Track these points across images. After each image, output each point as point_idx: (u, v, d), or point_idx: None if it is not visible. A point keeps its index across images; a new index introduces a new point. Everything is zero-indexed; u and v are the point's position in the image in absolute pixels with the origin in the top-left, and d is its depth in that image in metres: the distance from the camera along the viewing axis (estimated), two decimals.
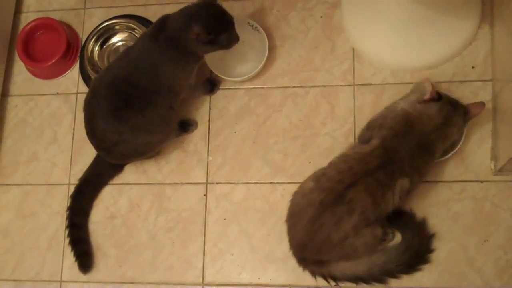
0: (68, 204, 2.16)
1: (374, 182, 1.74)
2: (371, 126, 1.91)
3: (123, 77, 1.93)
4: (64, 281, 2.15)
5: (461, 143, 1.94)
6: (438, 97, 1.83)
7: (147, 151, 2.10)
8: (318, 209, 1.74)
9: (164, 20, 1.96)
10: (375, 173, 1.75)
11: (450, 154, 1.95)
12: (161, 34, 1.93)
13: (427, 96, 1.84)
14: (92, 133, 2.01)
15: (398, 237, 1.94)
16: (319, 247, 1.79)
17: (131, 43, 2.15)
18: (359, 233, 1.75)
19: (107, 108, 1.92)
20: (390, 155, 1.77)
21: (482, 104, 1.86)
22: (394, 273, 1.88)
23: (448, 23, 2.07)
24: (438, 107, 1.83)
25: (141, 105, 1.94)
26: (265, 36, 2.16)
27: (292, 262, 1.90)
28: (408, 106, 1.86)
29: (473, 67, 2.09)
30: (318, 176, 1.81)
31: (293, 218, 1.86)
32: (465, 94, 2.05)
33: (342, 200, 1.72)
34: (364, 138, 1.92)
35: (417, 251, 1.90)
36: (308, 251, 1.83)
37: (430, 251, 1.93)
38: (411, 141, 1.80)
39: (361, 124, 2.05)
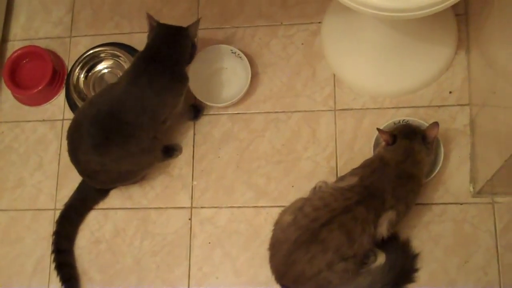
0: (54, 229, 2.16)
1: (351, 219, 1.76)
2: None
3: (106, 112, 1.96)
4: None
5: (439, 167, 1.97)
6: (393, 140, 1.87)
7: (131, 177, 2.13)
8: (292, 246, 1.78)
9: (145, 53, 2.04)
10: (355, 209, 1.77)
11: (430, 178, 1.98)
12: (148, 65, 2.00)
13: (383, 144, 1.90)
14: (75, 162, 2.03)
15: (382, 258, 1.96)
16: (294, 278, 1.82)
17: (116, 77, 2.23)
18: (333, 269, 1.77)
19: (90, 143, 1.95)
20: (370, 190, 1.80)
21: (435, 125, 1.88)
22: None
23: (426, 49, 2.12)
24: (396, 145, 1.87)
25: (124, 140, 1.97)
26: (248, 63, 2.19)
27: (276, 286, 1.90)
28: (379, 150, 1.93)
29: (450, 92, 2.13)
30: (295, 211, 1.83)
31: (273, 249, 1.88)
32: (443, 118, 2.09)
33: (315, 239, 1.75)
34: None
35: (401, 271, 1.92)
36: (286, 280, 1.86)
37: (415, 270, 1.95)
38: (390, 174, 1.83)
39: (342, 148, 2.10)
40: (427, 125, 1.95)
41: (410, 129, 1.92)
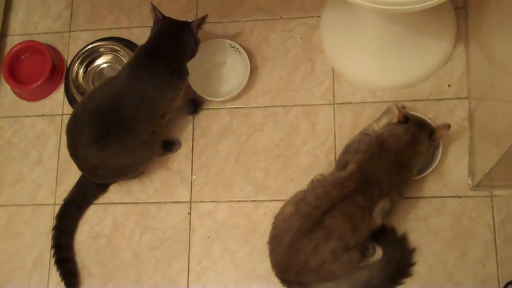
0: (53, 224, 2.16)
1: (352, 206, 1.77)
2: (348, 150, 1.97)
3: (106, 106, 1.96)
4: None
5: (438, 160, 1.98)
6: (405, 120, 1.88)
7: (130, 172, 2.13)
8: (296, 235, 1.77)
9: (147, 46, 2.04)
10: (353, 197, 1.77)
11: (428, 171, 1.98)
12: (149, 59, 2.00)
13: (395, 120, 1.92)
14: (75, 156, 2.03)
15: (379, 252, 1.96)
16: (297, 271, 1.81)
17: (115, 72, 2.22)
18: (337, 258, 1.77)
19: (89, 137, 1.95)
20: (367, 178, 1.81)
21: (447, 126, 1.90)
22: None
23: (424, 43, 2.12)
24: (405, 126, 1.87)
25: (123, 134, 1.97)
26: (247, 57, 2.19)
27: (275, 279, 1.90)
28: (380, 129, 1.94)
29: (449, 86, 2.13)
30: (298, 201, 1.83)
31: (274, 242, 1.88)
32: (442, 112, 2.09)
33: (319, 226, 1.75)
34: (341, 162, 1.97)
35: (398, 265, 1.93)
36: (288, 273, 1.85)
37: (411, 264, 1.95)
38: (387, 161, 1.84)
39: (341, 142, 2.09)
40: (426, 119, 1.96)
41: (421, 121, 1.93)
